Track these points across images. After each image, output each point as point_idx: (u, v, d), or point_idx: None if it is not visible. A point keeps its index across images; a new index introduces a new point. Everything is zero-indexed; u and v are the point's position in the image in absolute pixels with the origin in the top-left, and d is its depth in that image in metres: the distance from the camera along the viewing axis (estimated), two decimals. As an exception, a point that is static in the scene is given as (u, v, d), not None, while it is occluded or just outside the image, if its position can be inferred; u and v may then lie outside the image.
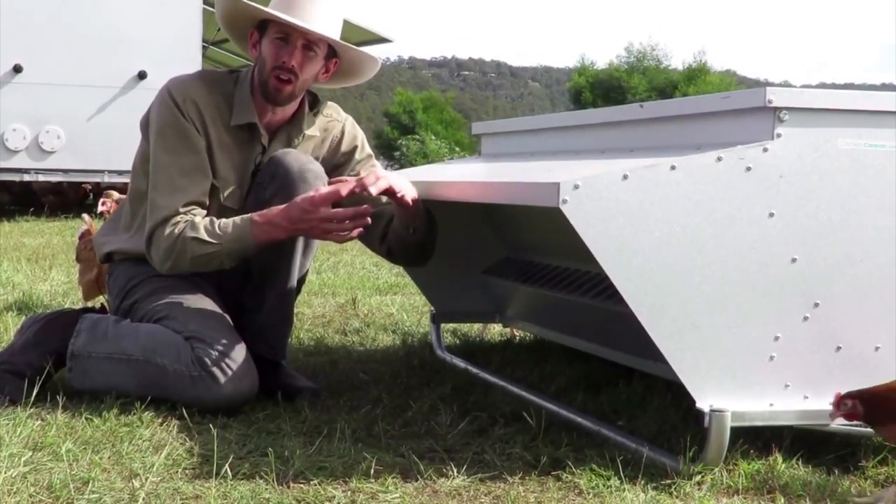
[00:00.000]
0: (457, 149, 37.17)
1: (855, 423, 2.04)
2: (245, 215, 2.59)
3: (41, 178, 10.03)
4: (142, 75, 10.02)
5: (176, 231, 2.58)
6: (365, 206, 2.56)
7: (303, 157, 2.68)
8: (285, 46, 2.65)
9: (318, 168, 2.69)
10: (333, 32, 2.69)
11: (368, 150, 2.95)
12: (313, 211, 2.50)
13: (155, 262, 2.65)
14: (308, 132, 2.80)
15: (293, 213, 2.52)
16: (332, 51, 2.74)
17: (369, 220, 2.55)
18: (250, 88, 2.73)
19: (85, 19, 9.99)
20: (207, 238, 2.56)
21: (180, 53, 9.76)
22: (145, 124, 2.76)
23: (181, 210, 2.61)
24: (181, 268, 2.62)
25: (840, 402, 2.00)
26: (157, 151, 2.67)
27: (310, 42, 2.66)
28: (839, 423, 2.10)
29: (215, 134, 2.70)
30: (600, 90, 44.10)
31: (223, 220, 2.59)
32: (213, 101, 2.71)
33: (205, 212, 2.66)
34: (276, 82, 2.66)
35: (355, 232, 2.55)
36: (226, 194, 2.71)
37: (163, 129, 2.67)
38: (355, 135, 2.91)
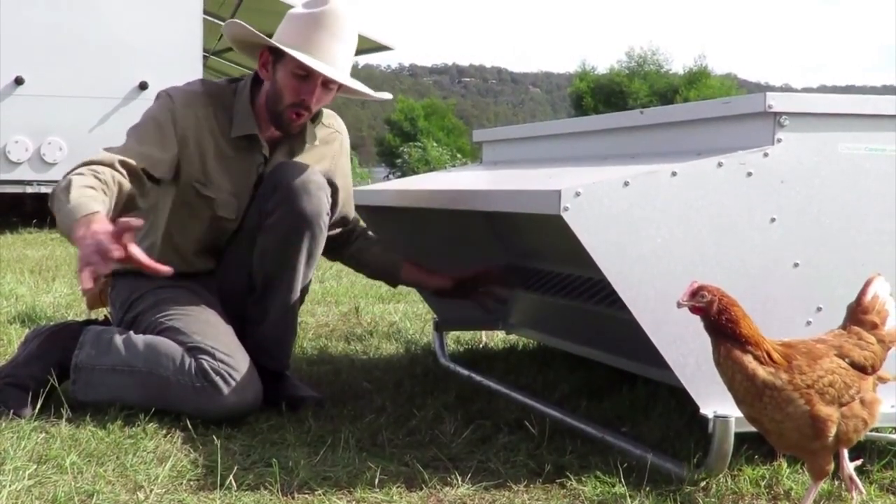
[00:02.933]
0: (458, 155, 37.19)
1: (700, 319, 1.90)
2: (97, 205, 2.29)
3: (43, 189, 10.04)
4: (143, 86, 10.03)
5: (80, 171, 2.42)
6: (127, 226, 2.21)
7: (305, 169, 2.68)
8: (305, 84, 2.63)
9: (320, 179, 2.69)
10: (349, 66, 2.69)
11: (349, 168, 3.02)
12: (89, 241, 2.18)
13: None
14: (309, 142, 2.81)
15: (83, 234, 2.21)
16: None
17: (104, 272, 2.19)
18: (250, 100, 2.74)
19: (86, 31, 10.01)
20: (73, 188, 2.32)
21: (181, 64, 9.76)
22: None
23: (107, 160, 2.49)
24: (50, 199, 2.39)
25: (697, 291, 1.88)
26: (128, 133, 2.66)
27: (328, 80, 2.66)
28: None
29: (213, 144, 2.70)
30: (601, 95, 44.16)
31: (95, 192, 2.36)
32: (213, 112, 2.71)
33: (132, 187, 2.52)
34: (293, 116, 2.67)
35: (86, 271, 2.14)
36: (220, 205, 2.72)
37: (145, 119, 2.69)
38: (347, 155, 2.98)
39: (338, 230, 2.97)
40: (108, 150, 2.58)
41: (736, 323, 1.86)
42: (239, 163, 2.74)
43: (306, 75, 2.63)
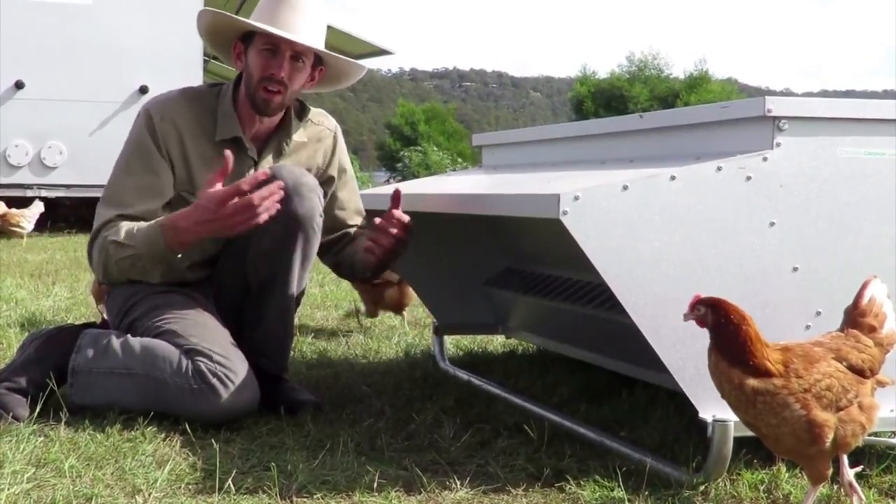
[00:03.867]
0: (459, 160, 37.20)
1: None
2: (159, 219, 2.59)
3: (43, 193, 10.05)
4: (143, 90, 10.05)
5: (105, 235, 2.61)
6: (274, 183, 2.50)
7: (296, 171, 2.68)
8: (273, 58, 2.66)
9: (312, 181, 2.69)
10: (319, 41, 2.72)
11: (349, 164, 3.01)
12: (218, 209, 2.48)
13: (93, 270, 2.69)
14: (297, 139, 2.82)
15: (199, 216, 2.51)
16: (318, 59, 2.76)
17: (278, 202, 2.51)
18: (233, 102, 2.75)
19: (86, 35, 10.02)
20: (124, 241, 2.57)
21: (181, 68, 9.78)
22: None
23: (115, 220, 2.63)
24: (112, 274, 2.65)
25: (696, 304, 1.90)
26: (116, 166, 2.72)
27: (297, 53, 2.67)
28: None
29: (197, 151, 2.71)
30: (602, 99, 44.19)
31: (142, 224, 2.59)
32: (195, 118, 2.72)
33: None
34: (265, 93, 2.67)
35: (265, 215, 2.49)
36: None
37: (130, 146, 2.71)
38: (343, 150, 2.97)
39: (334, 234, 2.96)
40: (120, 216, 2.63)
41: (733, 335, 1.85)
42: None
43: (273, 49, 2.66)
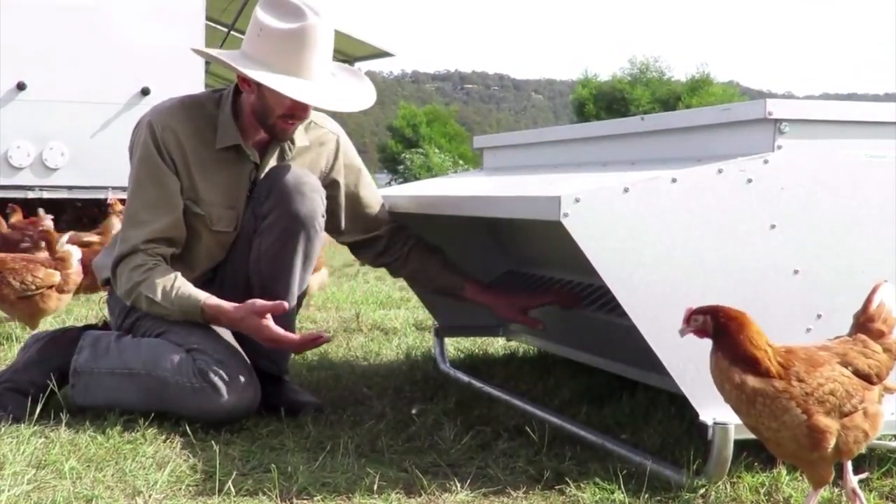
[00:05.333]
0: (461, 162, 37.17)
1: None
2: (199, 293, 2.58)
3: (45, 195, 10.04)
4: (145, 91, 10.04)
5: (136, 278, 2.60)
6: (315, 338, 2.60)
7: (298, 171, 2.68)
8: (296, 101, 2.59)
9: (314, 181, 2.69)
10: (332, 67, 2.68)
11: (360, 163, 2.99)
12: (258, 333, 2.55)
13: (118, 293, 2.69)
14: (300, 143, 2.81)
15: (240, 325, 2.58)
16: None
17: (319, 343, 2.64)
18: (232, 111, 2.72)
19: (88, 36, 10.02)
20: (161, 302, 2.57)
21: (183, 70, 9.76)
22: (130, 150, 2.77)
23: (141, 247, 2.62)
24: (142, 311, 2.66)
25: (691, 317, 1.88)
26: (130, 183, 2.71)
27: None
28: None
29: (198, 159, 2.69)
30: (603, 102, 44.14)
31: (183, 286, 2.58)
32: (195, 127, 2.70)
33: (172, 249, 2.66)
34: (285, 125, 2.67)
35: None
36: (215, 220, 2.71)
37: (136, 162, 2.70)
38: (352, 155, 2.95)
39: (372, 233, 2.97)
40: (147, 241, 2.63)
41: (736, 334, 1.83)
42: (228, 174, 2.73)
43: None
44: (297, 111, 2.63)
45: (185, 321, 2.60)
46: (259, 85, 2.60)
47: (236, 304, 2.54)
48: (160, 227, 2.64)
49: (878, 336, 1.92)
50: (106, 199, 8.95)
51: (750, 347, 1.83)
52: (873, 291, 1.95)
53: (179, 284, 2.58)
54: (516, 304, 2.93)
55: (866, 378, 1.87)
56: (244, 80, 2.65)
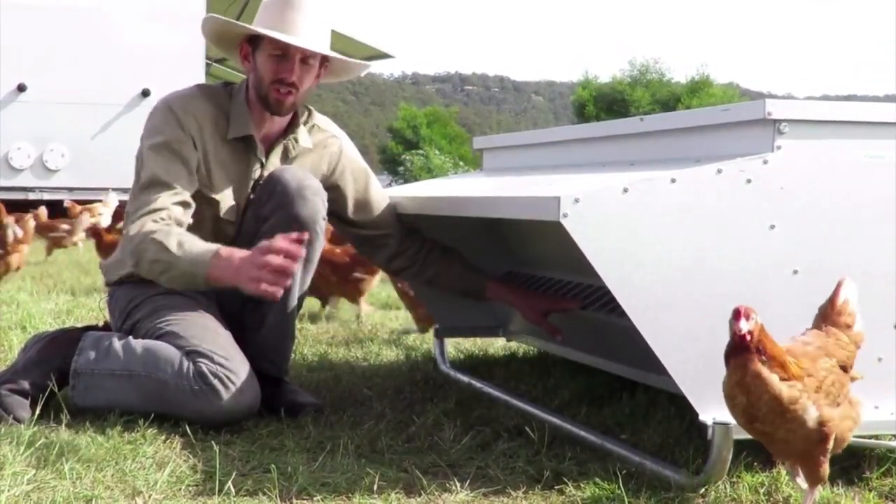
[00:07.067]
0: (461, 163, 37.16)
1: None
2: (212, 244, 2.53)
3: (45, 196, 10.06)
4: (145, 93, 10.07)
5: (152, 227, 2.54)
6: (297, 238, 2.46)
7: (300, 174, 2.69)
8: (283, 62, 2.67)
9: (316, 184, 2.70)
10: (325, 42, 2.73)
11: (365, 164, 3.00)
12: (257, 255, 2.44)
13: (126, 255, 2.63)
14: (304, 144, 2.82)
15: (250, 259, 2.45)
16: (324, 57, 2.77)
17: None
18: (245, 101, 2.75)
19: (88, 38, 10.04)
20: (172, 248, 2.50)
21: (184, 71, 9.78)
22: (145, 134, 2.74)
23: (168, 206, 2.58)
24: (141, 267, 2.58)
25: (748, 314, 1.81)
26: (149, 157, 2.66)
27: (306, 56, 2.68)
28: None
29: (212, 148, 2.72)
30: (603, 103, 44.14)
31: (199, 241, 2.54)
32: (211, 115, 2.73)
33: (190, 211, 2.64)
34: (278, 94, 2.68)
35: (272, 289, 2.42)
36: (223, 207, 2.73)
37: (159, 140, 2.67)
38: (356, 158, 2.96)
39: (381, 231, 2.98)
40: (172, 202, 2.60)
41: (770, 346, 1.83)
42: (237, 166, 2.75)
43: (283, 54, 2.67)
44: (283, 74, 2.66)
45: (185, 322, 2.60)
46: (255, 59, 2.70)
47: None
48: (180, 191, 2.62)
49: (846, 328, 1.98)
50: (62, 202, 8.91)
51: (780, 353, 1.84)
52: (839, 286, 2.01)
53: (195, 239, 2.54)
54: (539, 307, 2.93)
55: (843, 369, 1.93)
56: (245, 58, 2.74)
